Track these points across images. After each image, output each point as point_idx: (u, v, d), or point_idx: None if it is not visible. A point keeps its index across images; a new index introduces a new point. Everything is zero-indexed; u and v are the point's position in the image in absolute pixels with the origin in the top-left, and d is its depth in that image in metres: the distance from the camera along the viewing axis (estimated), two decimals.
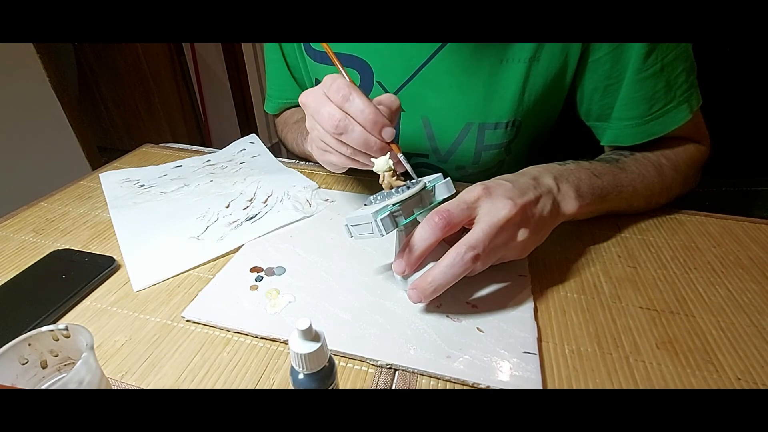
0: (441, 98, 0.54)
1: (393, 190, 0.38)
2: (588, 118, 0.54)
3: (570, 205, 0.42)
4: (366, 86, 0.57)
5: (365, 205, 0.39)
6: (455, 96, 0.53)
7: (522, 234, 0.37)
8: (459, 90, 0.52)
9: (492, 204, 0.36)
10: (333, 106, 0.38)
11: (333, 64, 0.56)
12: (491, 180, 0.40)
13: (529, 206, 0.38)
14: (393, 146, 0.38)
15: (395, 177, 0.39)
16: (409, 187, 0.38)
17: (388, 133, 0.37)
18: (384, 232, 0.34)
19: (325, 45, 0.43)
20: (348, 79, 0.39)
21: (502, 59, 0.49)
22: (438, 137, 0.57)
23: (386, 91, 0.56)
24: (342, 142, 0.39)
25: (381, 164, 0.38)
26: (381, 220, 0.34)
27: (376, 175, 0.41)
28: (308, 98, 0.41)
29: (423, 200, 0.38)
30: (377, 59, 0.55)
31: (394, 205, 0.35)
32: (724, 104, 0.53)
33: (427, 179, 0.40)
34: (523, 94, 0.51)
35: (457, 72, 0.51)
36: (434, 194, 0.39)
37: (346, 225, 0.38)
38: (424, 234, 0.35)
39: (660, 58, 0.46)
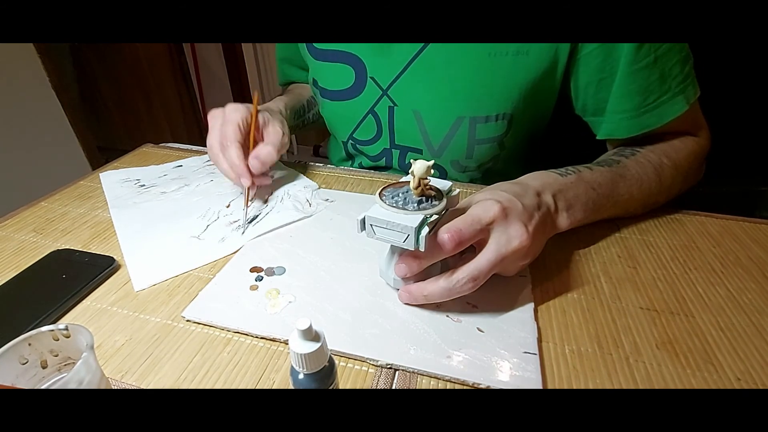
0: (431, 92, 0.55)
1: (423, 199, 0.36)
2: (584, 113, 0.54)
3: (562, 223, 0.42)
4: (360, 82, 0.59)
5: (384, 201, 0.36)
6: (445, 89, 0.54)
7: (524, 260, 0.38)
8: (448, 83, 0.53)
9: (505, 230, 0.36)
10: (217, 147, 0.53)
11: (332, 61, 0.58)
12: (504, 195, 0.38)
13: (537, 231, 0.38)
14: (252, 186, 0.52)
15: (429, 186, 0.36)
16: (436, 197, 0.36)
17: (244, 183, 0.51)
18: (422, 248, 0.33)
19: (255, 100, 0.56)
20: (237, 130, 0.52)
21: (489, 52, 0.50)
22: (430, 131, 0.58)
23: (380, 87, 0.58)
24: None
25: (420, 169, 0.34)
26: (425, 237, 0.33)
27: (376, 176, 0.41)
28: (213, 122, 0.55)
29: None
30: (370, 55, 0.56)
31: (431, 219, 0.34)
32: (724, 104, 0.53)
33: (443, 188, 0.38)
34: (511, 86, 0.52)
35: (446, 65, 0.52)
36: (454, 203, 0.39)
37: (363, 220, 0.35)
38: (434, 250, 0.35)
39: (653, 49, 0.46)
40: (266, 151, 0.52)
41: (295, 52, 0.70)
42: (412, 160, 0.35)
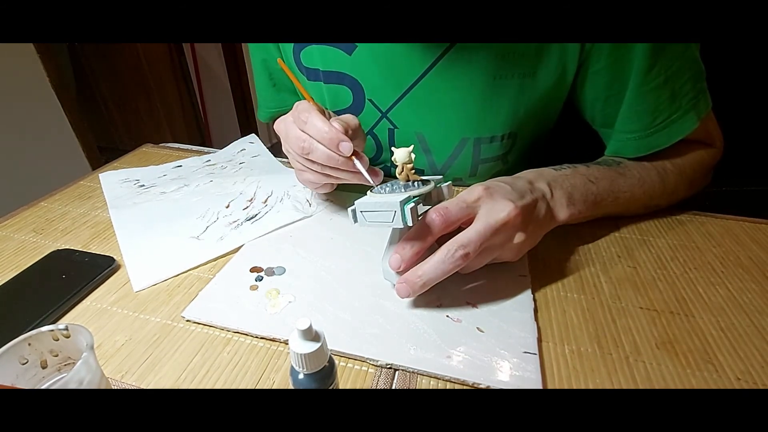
0: (434, 115, 0.53)
1: (409, 183, 0.38)
2: (593, 123, 0.53)
3: (562, 212, 0.42)
4: (358, 104, 0.56)
5: (371, 192, 0.39)
6: (449, 113, 0.52)
7: (519, 237, 0.38)
8: (452, 107, 0.52)
9: (492, 205, 0.37)
10: (297, 130, 0.42)
11: (327, 83, 0.56)
12: (490, 181, 0.40)
13: (527, 209, 0.38)
14: (352, 157, 0.40)
15: (413, 170, 0.38)
16: (424, 183, 0.38)
17: (345, 147, 0.39)
18: (409, 223, 0.34)
19: (284, 66, 0.46)
20: (310, 102, 0.43)
21: (495, 76, 0.48)
22: (434, 152, 0.56)
23: (378, 110, 0.55)
24: (311, 160, 0.42)
25: (402, 156, 0.38)
26: (410, 209, 0.33)
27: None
28: (280, 126, 0.46)
29: (426, 198, 0.38)
30: (368, 78, 0.54)
31: (415, 198, 0.35)
32: (724, 104, 0.53)
33: (433, 179, 0.41)
34: (518, 108, 0.51)
35: (450, 90, 0.50)
36: (442, 193, 0.40)
37: (354, 209, 0.37)
38: (423, 231, 0.36)
39: (663, 70, 0.44)
40: (349, 116, 0.43)
41: (284, 77, 0.63)
42: (393, 148, 0.38)
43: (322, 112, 0.42)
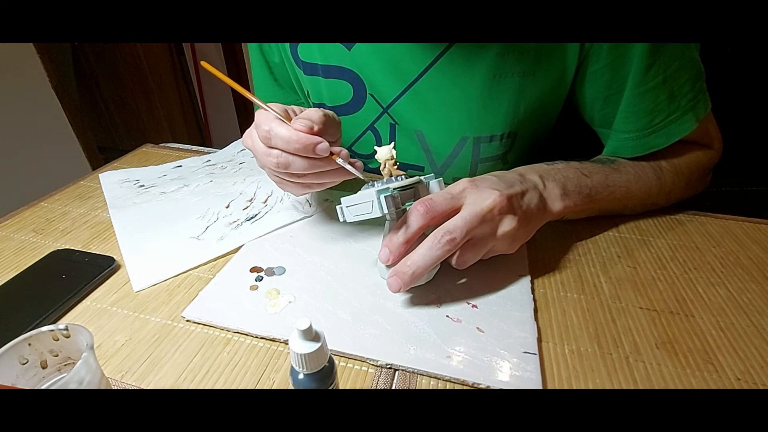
0: (434, 113, 0.53)
1: (393, 178, 0.39)
2: (592, 123, 0.53)
3: (557, 204, 0.42)
4: (358, 99, 0.56)
5: (361, 190, 0.40)
6: (448, 111, 0.52)
7: (509, 223, 0.38)
8: (452, 105, 0.52)
9: (478, 194, 0.38)
10: (264, 147, 0.39)
11: (326, 77, 0.55)
12: (478, 176, 0.41)
13: (515, 198, 0.39)
14: (334, 156, 0.37)
15: (396, 166, 0.40)
16: (408, 177, 0.39)
17: (322, 148, 0.36)
18: (385, 210, 0.35)
19: (206, 66, 0.42)
20: (268, 110, 0.38)
21: (494, 74, 0.48)
22: (433, 151, 0.56)
23: (379, 104, 0.55)
24: (290, 173, 0.39)
25: (383, 153, 0.39)
26: (385, 198, 0.35)
27: (376, 177, 0.41)
28: (247, 142, 0.42)
29: (416, 194, 0.39)
30: (369, 73, 0.53)
31: (394, 189, 0.36)
32: (724, 104, 0.53)
33: (423, 177, 0.41)
34: (517, 107, 0.51)
35: (450, 87, 0.50)
36: (428, 189, 0.40)
37: (340, 207, 0.38)
38: (408, 222, 0.37)
39: (662, 70, 0.44)
40: (311, 110, 0.39)
41: (284, 72, 0.62)
42: (376, 147, 0.39)
43: (285, 112, 0.39)
